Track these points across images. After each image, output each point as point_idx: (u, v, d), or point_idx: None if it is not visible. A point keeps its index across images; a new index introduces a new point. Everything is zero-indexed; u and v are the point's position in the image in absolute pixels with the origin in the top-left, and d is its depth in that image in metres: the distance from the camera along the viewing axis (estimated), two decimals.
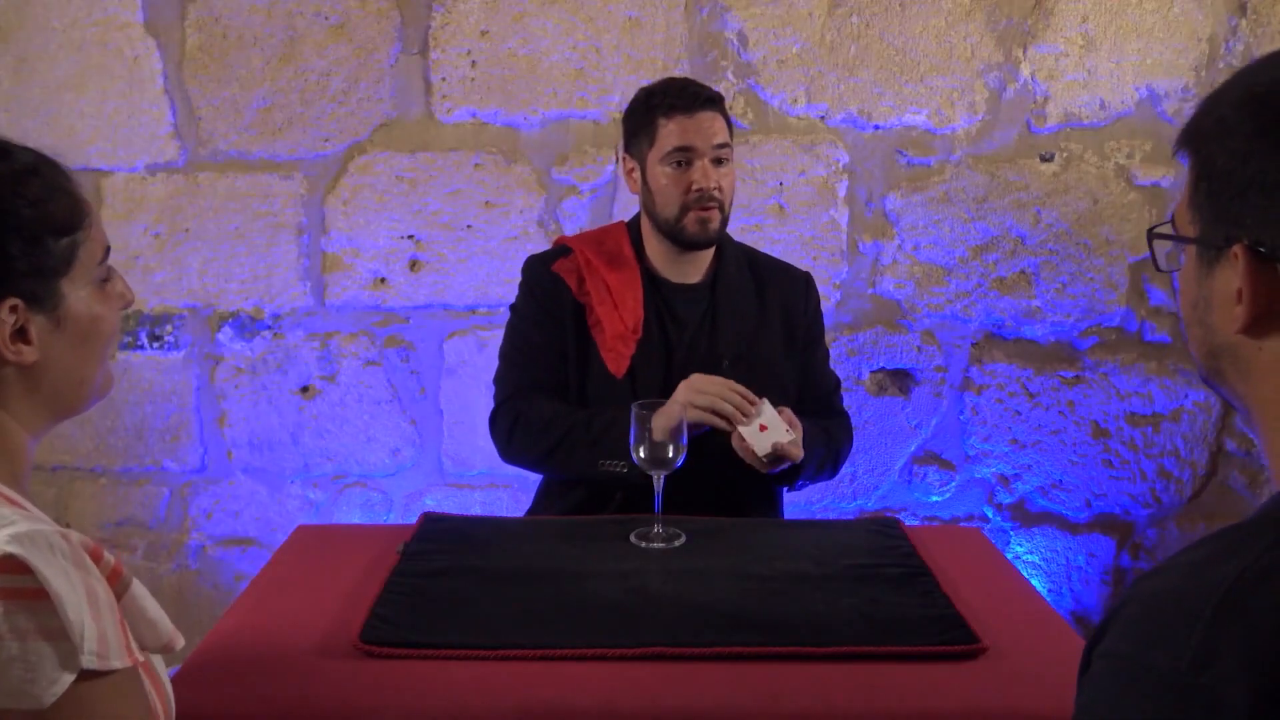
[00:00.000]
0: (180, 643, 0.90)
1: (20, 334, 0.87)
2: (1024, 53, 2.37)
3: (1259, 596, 0.58)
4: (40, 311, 0.88)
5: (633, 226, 1.90)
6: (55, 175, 0.91)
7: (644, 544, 1.57)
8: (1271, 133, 0.65)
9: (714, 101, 1.77)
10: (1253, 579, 0.58)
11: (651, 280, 1.85)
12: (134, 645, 0.80)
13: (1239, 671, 0.55)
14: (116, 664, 0.78)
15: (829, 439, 1.83)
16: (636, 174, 1.83)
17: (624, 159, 1.85)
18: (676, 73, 2.34)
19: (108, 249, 0.96)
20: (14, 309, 0.86)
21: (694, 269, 1.86)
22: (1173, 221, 0.75)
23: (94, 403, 0.98)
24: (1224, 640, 0.57)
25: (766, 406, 1.65)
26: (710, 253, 1.86)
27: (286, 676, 1.22)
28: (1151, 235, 0.77)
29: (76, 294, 0.91)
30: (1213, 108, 0.69)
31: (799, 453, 1.64)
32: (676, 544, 1.57)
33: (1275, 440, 0.70)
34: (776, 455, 1.62)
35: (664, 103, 1.76)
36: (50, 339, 0.90)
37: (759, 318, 1.86)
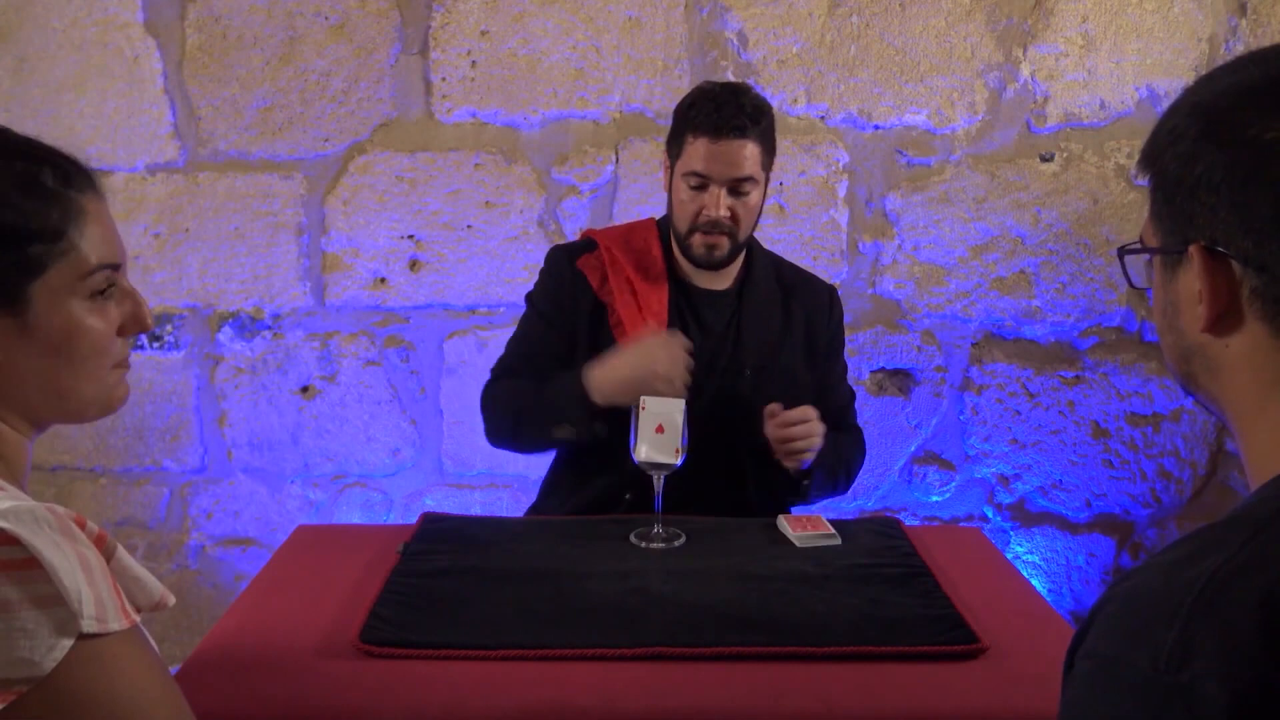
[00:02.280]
0: (171, 601, 0.90)
1: None
2: (1024, 53, 2.37)
3: (1234, 592, 0.58)
4: (2, 314, 0.86)
5: (663, 225, 1.87)
6: (57, 181, 0.89)
7: (644, 544, 1.57)
8: (1213, 135, 0.67)
9: (744, 129, 1.68)
10: (1228, 575, 0.59)
11: (678, 283, 1.83)
12: (129, 607, 0.81)
13: (1216, 667, 0.56)
14: (115, 626, 0.78)
15: (837, 451, 1.82)
16: (667, 175, 1.80)
17: (663, 152, 1.82)
18: (677, 73, 2.34)
19: (115, 265, 0.93)
20: None
21: (721, 277, 1.84)
22: (1141, 238, 0.77)
23: (94, 416, 0.95)
24: (1201, 637, 0.57)
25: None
26: (739, 260, 1.84)
27: (286, 676, 1.22)
28: (1121, 253, 0.80)
29: (52, 301, 0.88)
30: (1166, 121, 0.73)
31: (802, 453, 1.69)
32: (676, 544, 1.57)
33: (1248, 437, 0.71)
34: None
35: (696, 119, 1.70)
36: (14, 343, 0.87)
37: (783, 328, 1.85)
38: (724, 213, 1.71)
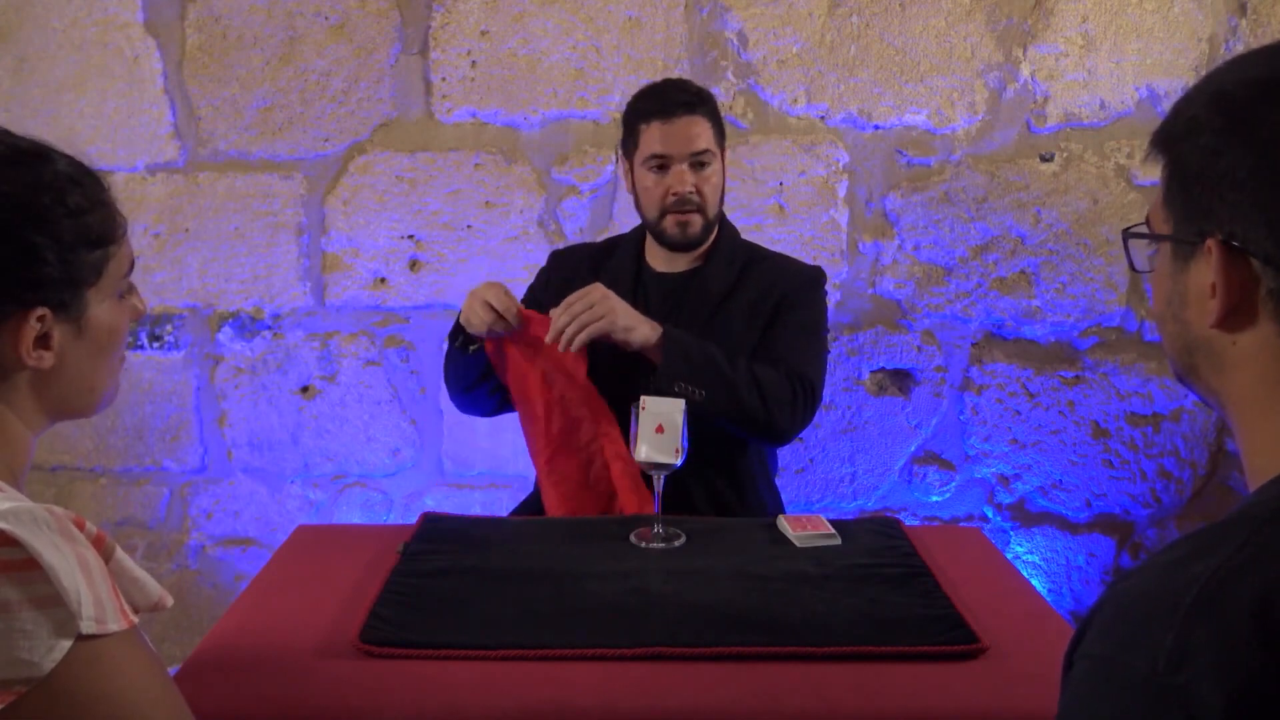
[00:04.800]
0: (169, 602, 0.91)
1: (42, 340, 0.88)
2: (1024, 53, 2.37)
3: (1232, 594, 0.58)
4: (65, 320, 0.90)
5: (634, 233, 1.98)
6: (95, 186, 0.93)
7: (644, 544, 1.57)
8: (1240, 129, 0.66)
9: (693, 105, 1.77)
10: (1225, 577, 0.59)
11: (637, 268, 1.92)
12: (127, 608, 0.81)
13: (1213, 670, 0.56)
14: (114, 627, 0.79)
15: (732, 360, 1.73)
16: (629, 175, 1.87)
17: (620, 159, 1.90)
18: (677, 72, 2.34)
19: (132, 263, 0.98)
20: (41, 318, 0.87)
21: (683, 261, 1.90)
22: (1148, 223, 0.76)
23: (101, 408, 0.99)
24: (1198, 638, 0.57)
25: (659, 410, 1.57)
26: (705, 247, 1.89)
27: (286, 676, 1.22)
28: (1127, 235, 0.78)
29: (100, 305, 0.93)
30: (1183, 110, 0.71)
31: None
32: (676, 544, 1.57)
33: (1249, 436, 0.71)
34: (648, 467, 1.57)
35: (645, 107, 1.80)
36: (70, 346, 0.91)
37: (730, 296, 1.86)
38: (689, 187, 1.78)
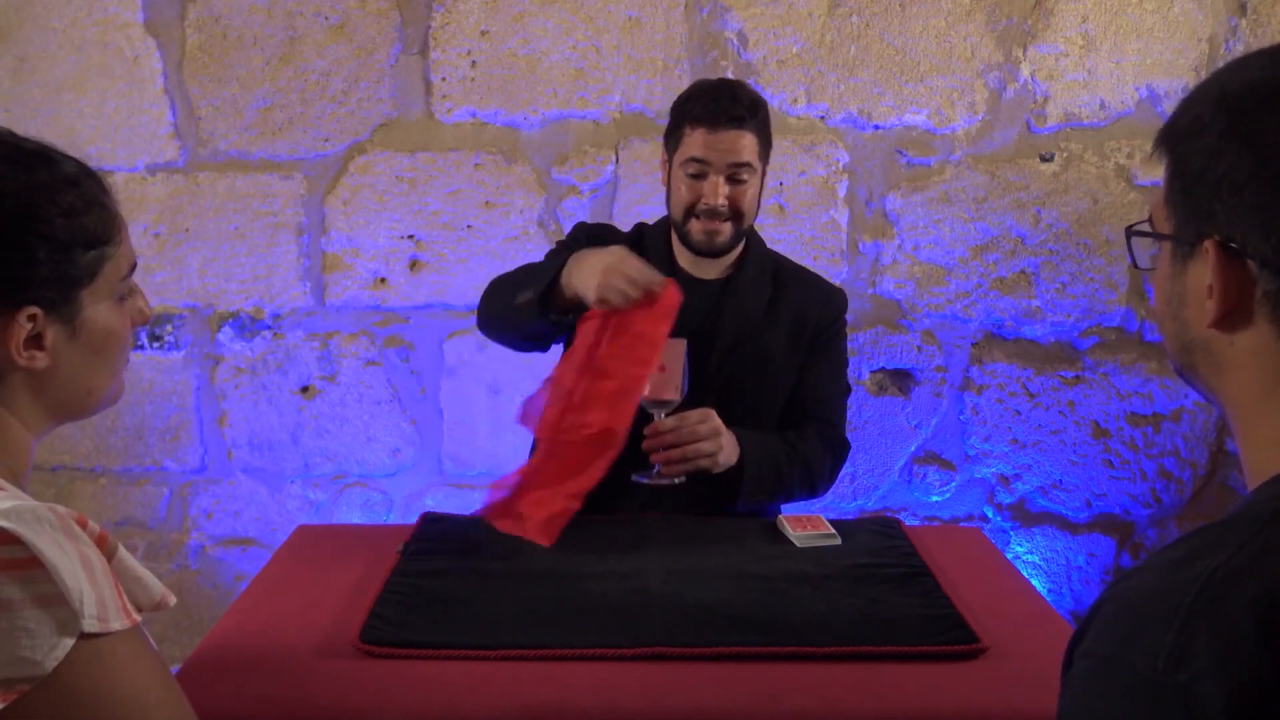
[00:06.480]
0: (172, 600, 0.91)
1: (34, 340, 0.88)
2: (1024, 53, 2.37)
3: (1233, 593, 0.58)
4: (58, 320, 0.89)
5: (659, 226, 1.94)
6: (94, 188, 0.93)
7: (646, 480, 1.61)
8: (1241, 132, 0.66)
9: (742, 120, 1.72)
10: (1227, 576, 0.59)
11: (670, 272, 1.85)
12: (130, 606, 0.81)
13: (1214, 668, 0.56)
14: (116, 625, 0.79)
15: (790, 451, 1.77)
16: (665, 169, 1.83)
17: (661, 149, 1.85)
18: (677, 73, 2.34)
19: (134, 265, 0.97)
20: (32, 318, 0.87)
21: (713, 267, 1.86)
22: (1150, 219, 0.76)
23: (102, 409, 0.99)
24: (1199, 638, 0.57)
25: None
26: (734, 254, 1.86)
27: (286, 676, 1.22)
28: (1130, 233, 0.79)
29: (96, 306, 0.92)
30: (1189, 108, 0.71)
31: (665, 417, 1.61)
32: (678, 480, 1.60)
33: (1248, 435, 0.71)
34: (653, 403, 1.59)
35: (695, 110, 1.74)
36: (64, 347, 0.91)
37: (767, 317, 1.85)
38: (721, 201, 1.73)
